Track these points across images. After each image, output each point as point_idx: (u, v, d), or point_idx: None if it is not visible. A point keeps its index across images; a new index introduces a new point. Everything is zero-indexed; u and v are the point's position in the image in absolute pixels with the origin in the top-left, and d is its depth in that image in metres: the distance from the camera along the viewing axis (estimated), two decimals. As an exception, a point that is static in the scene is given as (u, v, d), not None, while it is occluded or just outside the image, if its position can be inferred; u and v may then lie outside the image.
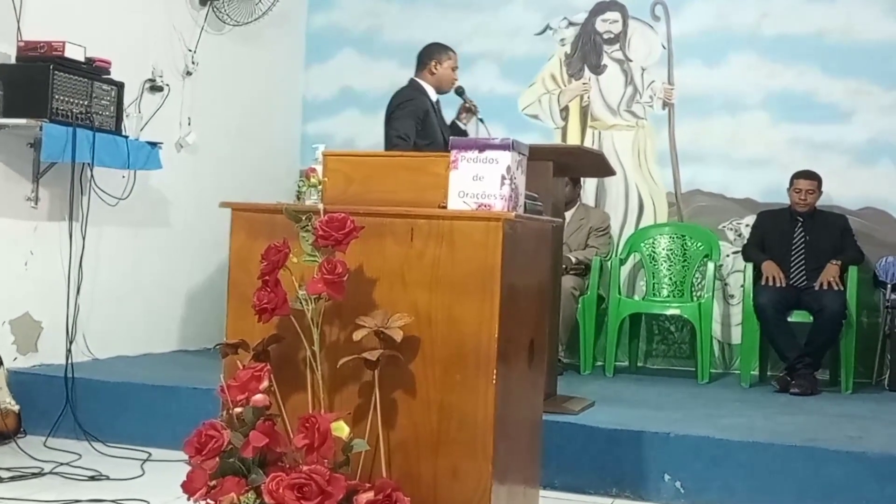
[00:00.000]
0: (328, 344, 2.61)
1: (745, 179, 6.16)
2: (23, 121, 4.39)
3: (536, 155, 3.16)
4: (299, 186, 3.07)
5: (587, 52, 6.52)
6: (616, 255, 6.05)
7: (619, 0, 6.45)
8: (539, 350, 2.90)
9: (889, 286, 5.70)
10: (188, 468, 2.50)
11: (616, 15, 6.47)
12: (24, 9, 4.58)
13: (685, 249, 6.04)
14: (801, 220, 5.62)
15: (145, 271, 5.48)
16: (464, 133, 5.10)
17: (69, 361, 4.51)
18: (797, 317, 5.44)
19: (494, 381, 2.50)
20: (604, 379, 5.47)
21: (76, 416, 4.37)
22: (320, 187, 2.81)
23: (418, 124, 4.83)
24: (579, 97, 6.52)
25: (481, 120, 5.11)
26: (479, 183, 2.60)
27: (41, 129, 4.38)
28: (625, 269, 6.15)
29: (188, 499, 2.50)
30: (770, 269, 5.48)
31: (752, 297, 5.45)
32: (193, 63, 5.79)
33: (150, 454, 4.13)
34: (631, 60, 6.43)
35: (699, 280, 5.94)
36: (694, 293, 5.96)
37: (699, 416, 4.30)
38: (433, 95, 5.06)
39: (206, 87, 5.90)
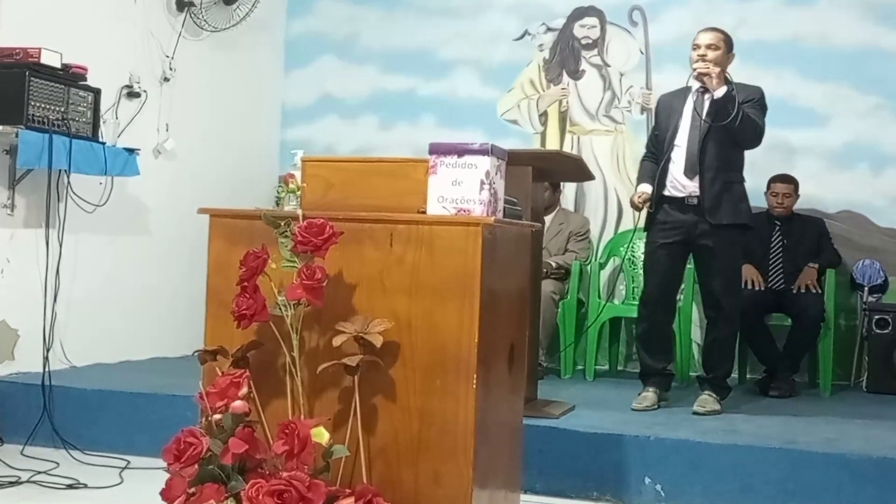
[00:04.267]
0: (308, 350, 2.60)
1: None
2: (-1, 127, 4.37)
3: (515, 160, 3.17)
4: (278, 192, 3.07)
5: (565, 57, 6.53)
6: (596, 260, 6.06)
7: (597, 6, 6.47)
8: (519, 354, 2.90)
9: (866, 289, 5.76)
10: (167, 476, 2.49)
11: (594, 20, 6.49)
12: (0, 15, 4.56)
13: (664, 253, 6.05)
14: (779, 223, 5.65)
15: (123, 278, 5.44)
16: (723, 106, 4.43)
17: (46, 369, 4.48)
18: (776, 320, 5.48)
19: (475, 386, 2.50)
20: (584, 383, 5.48)
21: (53, 424, 4.34)
22: (299, 193, 2.81)
23: (657, 118, 4.81)
24: (558, 102, 6.53)
25: (732, 77, 4.56)
26: (459, 188, 2.61)
27: (17, 135, 4.35)
28: (604, 274, 6.16)
29: (167, 507, 2.49)
30: (748, 272, 5.49)
31: (731, 300, 5.47)
32: (171, 69, 5.76)
33: (128, 462, 4.11)
34: (609, 66, 6.45)
35: (678, 284, 5.95)
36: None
37: (679, 419, 4.31)
38: (696, 84, 4.59)
39: (183, 94, 5.88)
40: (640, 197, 4.65)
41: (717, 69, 4.48)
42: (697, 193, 4.52)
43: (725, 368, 4.68)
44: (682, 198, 4.57)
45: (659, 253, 4.65)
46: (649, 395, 4.60)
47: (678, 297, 4.99)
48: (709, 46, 4.58)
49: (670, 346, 4.81)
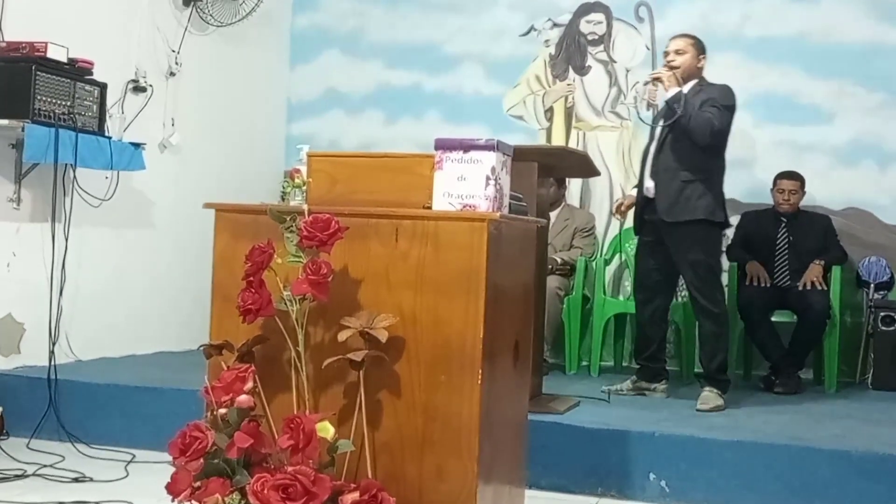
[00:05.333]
0: (313, 345, 2.60)
1: (728, 180, 6.14)
2: (5, 121, 4.37)
3: (521, 156, 3.17)
4: (284, 187, 3.07)
5: (571, 53, 6.53)
6: (601, 256, 6.06)
7: (604, 1, 6.47)
8: (524, 350, 2.90)
9: (872, 286, 5.75)
10: (172, 469, 2.49)
11: (600, 16, 6.49)
12: (6, 9, 4.56)
13: (669, 250, 6.05)
14: (785, 220, 5.64)
15: (129, 272, 5.45)
16: (671, 107, 4.65)
17: (52, 363, 4.49)
18: (781, 316, 5.47)
19: (479, 382, 2.50)
20: (589, 379, 5.47)
21: (59, 418, 4.35)
22: (305, 188, 2.81)
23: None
24: (564, 98, 6.53)
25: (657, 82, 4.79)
26: (464, 183, 2.60)
27: (23, 129, 4.36)
28: (609, 270, 6.15)
29: (172, 500, 2.49)
30: (754, 269, 5.50)
31: (737, 297, 5.47)
32: (177, 63, 5.77)
33: (133, 456, 4.12)
34: (615, 62, 6.45)
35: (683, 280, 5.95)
36: (678, 293, 5.97)
37: (684, 415, 4.32)
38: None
39: (189, 88, 5.88)
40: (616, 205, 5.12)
41: (669, 73, 4.68)
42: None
43: (718, 361, 4.71)
44: (652, 199, 4.77)
45: (639, 252, 5.03)
46: (626, 381, 4.94)
47: (686, 294, 5.10)
48: (676, 52, 4.79)
49: (645, 341, 4.96)
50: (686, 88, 4.69)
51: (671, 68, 4.71)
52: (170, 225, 5.72)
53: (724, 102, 4.67)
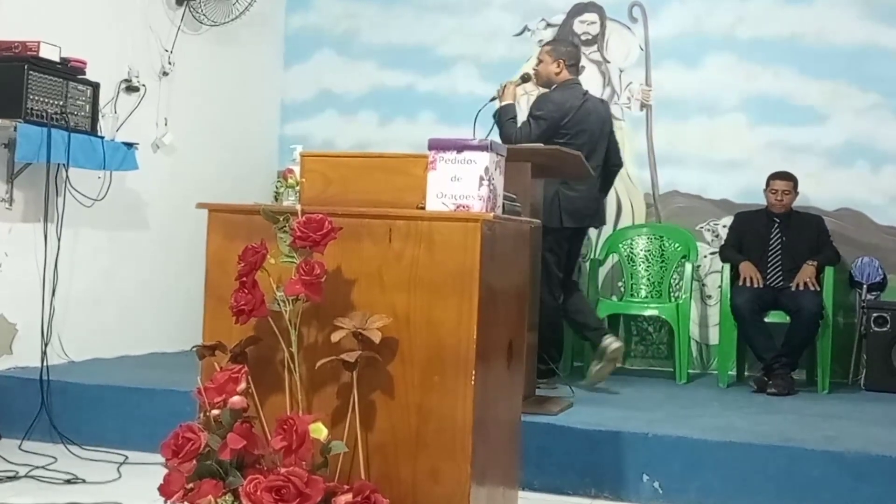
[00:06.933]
0: (306, 345, 2.60)
1: (722, 181, 6.19)
2: (-3, 121, 4.36)
3: (515, 156, 3.17)
4: (277, 187, 3.06)
5: (565, 53, 6.52)
6: (594, 256, 6.06)
7: (597, 2, 6.47)
8: (517, 351, 2.90)
9: (865, 287, 5.76)
10: (165, 471, 2.49)
11: (594, 16, 6.49)
12: (-1, 8, 4.56)
13: (663, 250, 6.06)
14: (778, 220, 5.65)
15: (121, 273, 5.44)
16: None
17: (44, 364, 4.47)
18: (774, 317, 5.48)
19: (473, 383, 2.50)
20: (582, 380, 5.47)
21: (52, 419, 4.33)
22: (298, 188, 2.80)
23: None
24: (557, 98, 6.51)
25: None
26: (458, 184, 2.60)
27: (15, 129, 4.35)
28: (603, 270, 6.16)
29: (165, 502, 2.49)
30: (747, 269, 5.51)
31: (730, 297, 5.48)
32: (170, 63, 5.76)
33: (126, 457, 4.11)
34: (609, 62, 6.45)
35: (677, 281, 5.96)
36: (672, 294, 5.98)
37: (677, 416, 4.32)
38: None
39: (182, 88, 5.87)
40: None
41: (503, 88, 4.95)
42: None
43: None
44: None
45: None
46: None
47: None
48: (538, 61, 5.14)
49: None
50: None
51: (523, 79, 5.04)
52: (163, 225, 5.71)
53: (531, 113, 4.93)
